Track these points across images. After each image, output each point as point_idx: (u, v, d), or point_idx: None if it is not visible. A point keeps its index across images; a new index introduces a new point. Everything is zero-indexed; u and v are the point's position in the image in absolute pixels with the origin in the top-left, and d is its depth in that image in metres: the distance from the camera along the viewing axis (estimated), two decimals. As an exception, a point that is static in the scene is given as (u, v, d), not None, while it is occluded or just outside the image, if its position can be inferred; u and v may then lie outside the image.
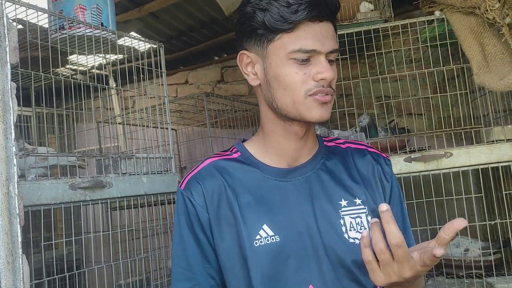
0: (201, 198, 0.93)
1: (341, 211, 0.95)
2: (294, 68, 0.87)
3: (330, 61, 0.89)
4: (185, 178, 0.98)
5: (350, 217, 0.95)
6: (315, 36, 0.86)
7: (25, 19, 1.42)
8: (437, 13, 1.70)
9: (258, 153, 0.97)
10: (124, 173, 1.58)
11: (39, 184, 1.27)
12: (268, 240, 0.90)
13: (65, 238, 2.31)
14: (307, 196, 0.94)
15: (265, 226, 0.91)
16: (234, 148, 1.00)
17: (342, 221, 0.94)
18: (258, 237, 0.90)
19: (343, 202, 0.96)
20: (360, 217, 0.95)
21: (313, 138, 1.00)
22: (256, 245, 0.89)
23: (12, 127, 0.81)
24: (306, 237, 0.91)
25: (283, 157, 0.96)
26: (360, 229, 0.94)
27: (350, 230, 0.93)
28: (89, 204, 1.48)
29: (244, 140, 1.03)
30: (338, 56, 1.93)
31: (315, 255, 0.90)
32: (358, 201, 0.96)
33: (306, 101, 0.88)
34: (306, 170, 0.97)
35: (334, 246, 0.91)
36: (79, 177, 1.40)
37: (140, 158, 1.65)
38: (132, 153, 2.18)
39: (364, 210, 0.96)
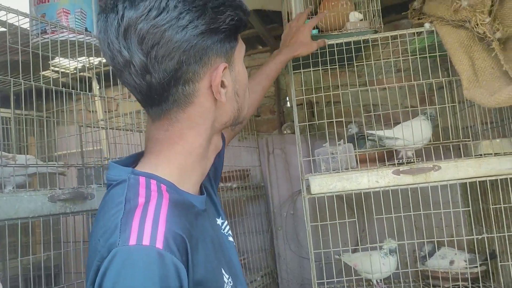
0: (185, 258, 0.64)
1: (224, 231, 0.88)
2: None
3: None
4: (153, 230, 0.62)
5: (230, 232, 0.90)
6: None
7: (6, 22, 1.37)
8: (427, 25, 1.69)
9: (177, 180, 0.74)
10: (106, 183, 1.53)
11: (16, 196, 1.22)
12: (231, 283, 0.76)
13: (46, 244, 2.24)
14: (216, 224, 0.85)
15: (222, 271, 0.76)
16: (151, 179, 0.72)
17: (230, 239, 0.88)
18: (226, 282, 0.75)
19: (219, 221, 0.88)
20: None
21: None
22: None
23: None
24: (236, 269, 0.83)
25: (198, 183, 0.80)
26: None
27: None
28: (69, 216, 1.43)
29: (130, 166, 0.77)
30: (327, 65, 1.92)
31: (242, 279, 0.84)
32: (221, 215, 0.90)
33: None
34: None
35: (240, 269, 0.86)
36: (59, 188, 1.35)
37: (124, 167, 1.60)
38: (115, 158, 2.13)
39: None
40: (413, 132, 1.71)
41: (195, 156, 0.77)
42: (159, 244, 0.60)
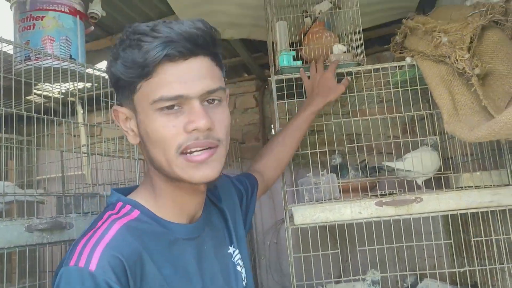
0: (125, 280, 0.67)
1: (234, 259, 0.90)
2: (161, 121, 0.73)
3: (213, 103, 0.76)
4: (90, 252, 0.68)
5: (241, 261, 0.92)
6: (180, 78, 0.72)
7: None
8: (408, 59, 1.73)
9: (155, 209, 0.79)
10: (86, 213, 1.50)
11: (-8, 226, 1.18)
12: None
13: (21, 273, 2.17)
14: (211, 253, 0.85)
15: None
16: (127, 205, 0.78)
17: (239, 268, 0.91)
18: None
19: (231, 249, 0.91)
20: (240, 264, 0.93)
21: None
22: None
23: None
24: None
25: (184, 213, 0.82)
26: (244, 278, 0.90)
27: (245, 276, 0.91)
28: (46, 246, 1.39)
29: (122, 193, 0.83)
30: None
31: None
32: (235, 243, 0.93)
33: (178, 161, 0.74)
34: (203, 222, 0.86)
35: None
36: (37, 218, 1.32)
37: (104, 196, 1.58)
38: (96, 184, 2.09)
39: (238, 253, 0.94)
40: (425, 163, 1.73)
41: (162, 192, 0.81)
42: (92, 266, 0.66)
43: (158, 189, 0.81)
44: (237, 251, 0.92)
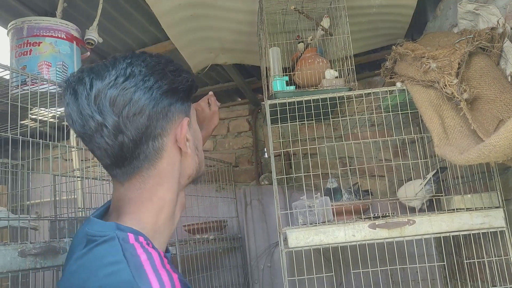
0: None
1: None
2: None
3: None
4: (170, 279, 0.67)
5: None
6: None
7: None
8: (398, 84, 1.77)
9: (153, 238, 0.76)
10: (80, 237, 1.49)
11: (-15, 251, 1.17)
12: None
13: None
14: None
15: None
16: (140, 236, 0.73)
17: None
18: None
19: None
20: None
21: None
22: None
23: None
24: None
25: (165, 243, 0.82)
26: None
27: None
28: (39, 272, 1.38)
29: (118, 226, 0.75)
30: (304, 119, 1.97)
31: None
32: None
33: None
34: None
35: None
36: (30, 242, 1.31)
37: (99, 220, 1.57)
38: (90, 208, 2.08)
39: None
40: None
41: (166, 212, 0.80)
42: None
43: (165, 212, 0.79)
44: None
